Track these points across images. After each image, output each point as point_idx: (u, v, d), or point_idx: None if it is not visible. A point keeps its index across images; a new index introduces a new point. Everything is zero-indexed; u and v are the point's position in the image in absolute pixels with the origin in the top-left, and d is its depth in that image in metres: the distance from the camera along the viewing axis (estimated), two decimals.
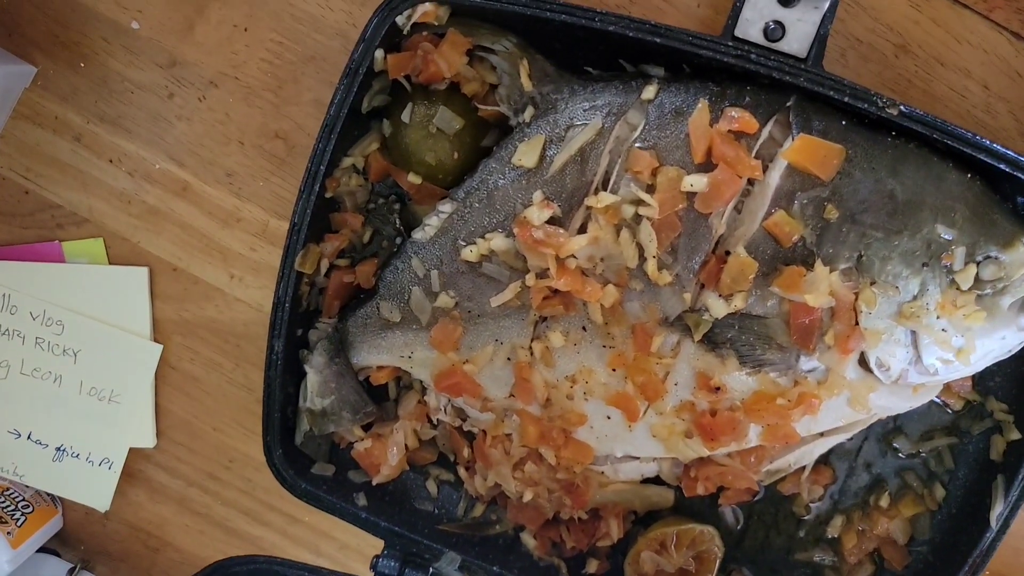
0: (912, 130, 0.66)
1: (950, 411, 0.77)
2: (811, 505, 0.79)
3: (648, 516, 0.80)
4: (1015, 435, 0.73)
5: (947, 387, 0.75)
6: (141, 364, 0.84)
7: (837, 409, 0.71)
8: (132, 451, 0.86)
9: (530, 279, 0.69)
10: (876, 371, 0.69)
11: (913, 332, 0.67)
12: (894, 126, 0.67)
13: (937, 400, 0.77)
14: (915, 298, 0.66)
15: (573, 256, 0.69)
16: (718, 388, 0.70)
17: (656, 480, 0.79)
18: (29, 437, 0.85)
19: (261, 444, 0.75)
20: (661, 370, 0.70)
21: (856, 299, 0.67)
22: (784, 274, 0.66)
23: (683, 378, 0.70)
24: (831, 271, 0.66)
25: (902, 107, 0.66)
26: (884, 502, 0.78)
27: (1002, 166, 0.66)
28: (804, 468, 0.77)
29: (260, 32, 0.78)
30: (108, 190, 0.82)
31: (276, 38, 0.78)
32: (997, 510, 0.73)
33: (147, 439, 0.85)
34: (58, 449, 0.85)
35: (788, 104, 0.67)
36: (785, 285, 0.66)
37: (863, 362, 0.69)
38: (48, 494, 0.87)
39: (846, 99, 0.66)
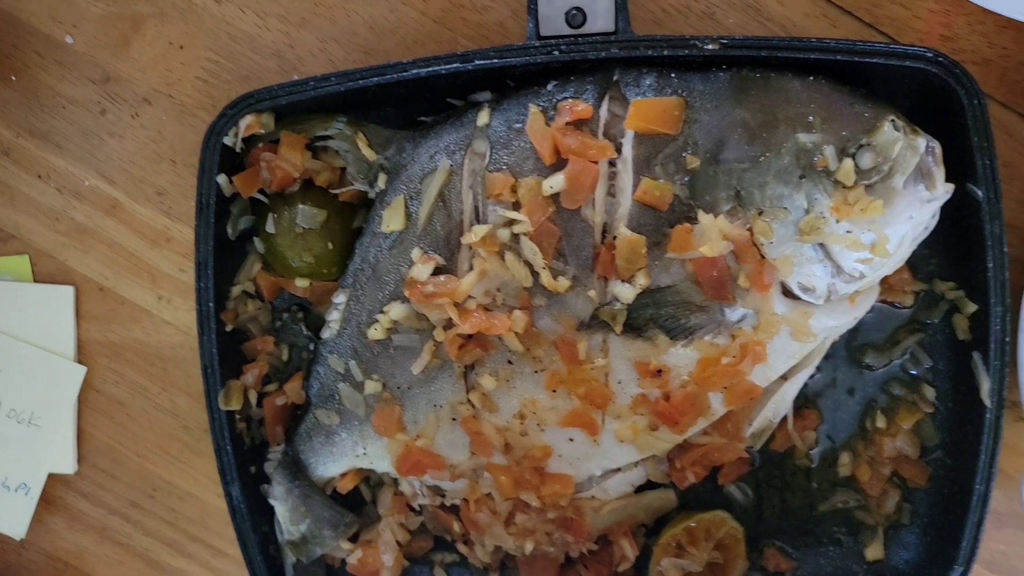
0: (740, 57, 0.66)
1: (905, 308, 0.75)
2: (811, 453, 0.76)
3: (659, 524, 0.77)
4: (972, 307, 0.71)
5: (889, 287, 0.73)
6: (64, 386, 0.81)
7: (785, 347, 0.68)
8: (51, 477, 0.82)
9: (439, 334, 0.68)
10: (804, 296, 0.67)
11: (821, 245, 0.66)
12: (723, 60, 0.67)
13: (887, 303, 0.74)
14: (807, 212, 0.65)
15: (471, 297, 0.68)
16: (660, 371, 0.68)
17: (651, 485, 0.76)
18: None
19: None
20: (599, 374, 0.68)
21: (752, 234, 0.65)
22: (673, 237, 0.65)
23: (624, 374, 0.68)
24: (716, 217, 0.65)
25: (721, 39, 0.66)
26: (881, 422, 0.75)
27: (838, 57, 0.66)
28: (786, 418, 0.74)
29: (196, 50, 0.78)
30: (36, 206, 0.81)
31: (212, 57, 0.78)
32: (985, 387, 0.69)
33: (67, 464, 0.82)
34: None
35: (615, 78, 0.67)
36: (678, 247, 0.65)
37: (789, 293, 0.67)
38: None
39: (665, 52, 0.66)
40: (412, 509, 0.77)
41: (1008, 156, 0.74)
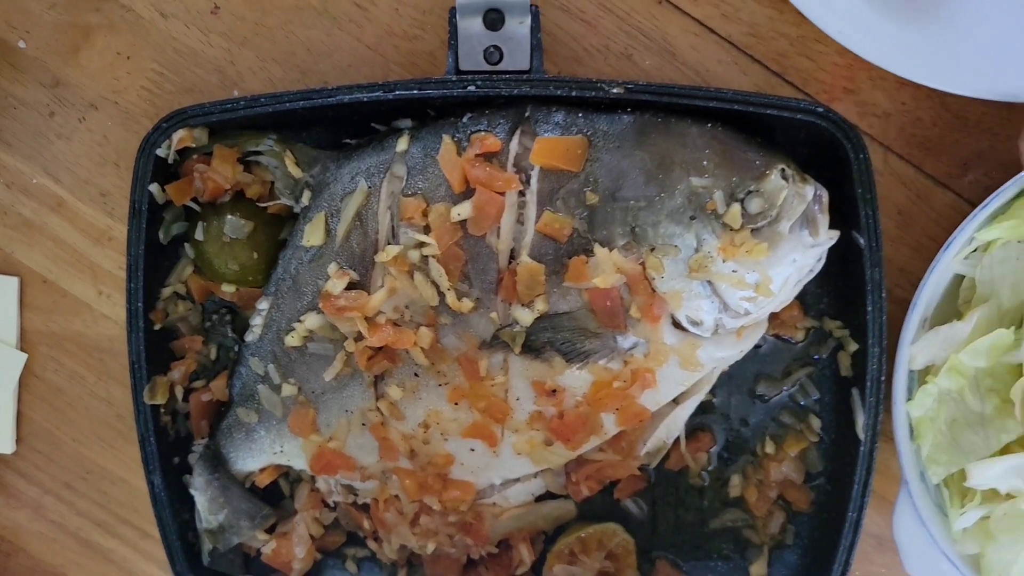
0: (644, 101, 0.70)
1: (797, 343, 0.79)
2: (703, 473, 0.81)
3: (559, 532, 0.82)
4: (854, 346, 0.75)
5: (781, 322, 0.78)
6: (5, 371, 0.85)
7: (674, 375, 0.73)
8: None
9: (350, 345, 0.73)
10: (692, 328, 0.71)
11: (709, 282, 0.70)
12: (628, 103, 0.71)
13: (780, 337, 0.79)
14: (696, 251, 0.69)
15: (381, 312, 0.72)
16: (555, 390, 0.72)
17: (553, 495, 0.81)
18: None
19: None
20: (499, 391, 0.73)
21: (644, 269, 0.70)
22: (570, 267, 0.70)
23: (522, 392, 0.73)
24: (611, 251, 0.69)
25: (626, 84, 0.70)
26: (770, 448, 0.80)
27: (735, 107, 0.70)
28: (679, 439, 0.78)
29: (142, 61, 0.81)
30: None
31: (157, 68, 0.81)
32: (860, 422, 0.74)
33: (6, 444, 0.86)
34: None
35: (527, 114, 0.71)
36: (574, 277, 0.70)
37: (678, 325, 0.72)
38: None
39: (574, 93, 0.70)
40: (327, 505, 0.82)
41: (904, 205, 0.79)
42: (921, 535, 0.76)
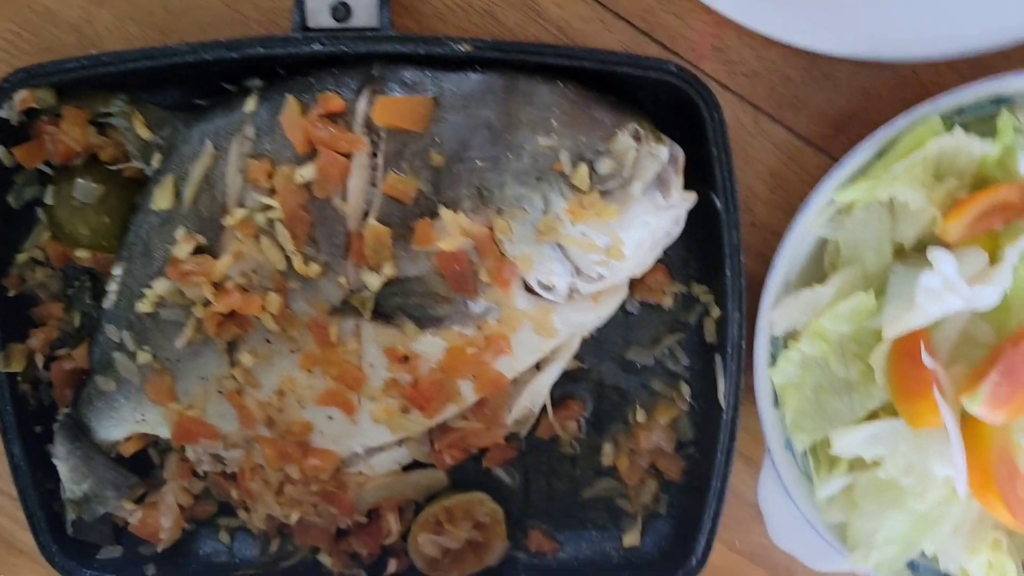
0: (494, 59, 0.68)
1: (666, 309, 0.77)
2: (574, 442, 0.79)
3: (432, 502, 0.81)
4: (718, 312, 0.74)
5: (648, 287, 0.76)
6: None
7: (529, 341, 0.71)
8: None
9: (199, 311, 0.71)
10: (545, 293, 0.70)
11: (560, 245, 0.68)
12: (478, 61, 0.69)
13: (649, 303, 0.77)
14: (545, 213, 0.68)
15: (229, 277, 0.71)
16: (407, 357, 0.71)
17: (421, 465, 0.79)
18: None
19: None
20: (352, 357, 0.71)
21: (492, 232, 0.68)
22: (416, 231, 0.68)
23: (375, 358, 0.71)
24: (457, 213, 0.67)
25: (474, 41, 0.68)
26: (641, 416, 0.79)
27: (586, 64, 0.68)
28: (546, 407, 0.77)
29: None
30: None
31: (13, 28, 0.79)
32: (721, 389, 0.73)
33: None
34: None
35: (373, 73, 0.69)
36: (420, 240, 0.68)
37: (531, 290, 0.70)
38: None
39: (422, 51, 0.68)
40: (196, 475, 0.81)
41: (776, 167, 0.77)
42: (786, 504, 0.74)
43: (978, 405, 0.66)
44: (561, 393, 0.78)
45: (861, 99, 0.75)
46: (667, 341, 0.77)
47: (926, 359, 0.66)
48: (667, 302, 0.77)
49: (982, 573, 0.73)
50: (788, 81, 0.75)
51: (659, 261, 0.74)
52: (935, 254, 0.65)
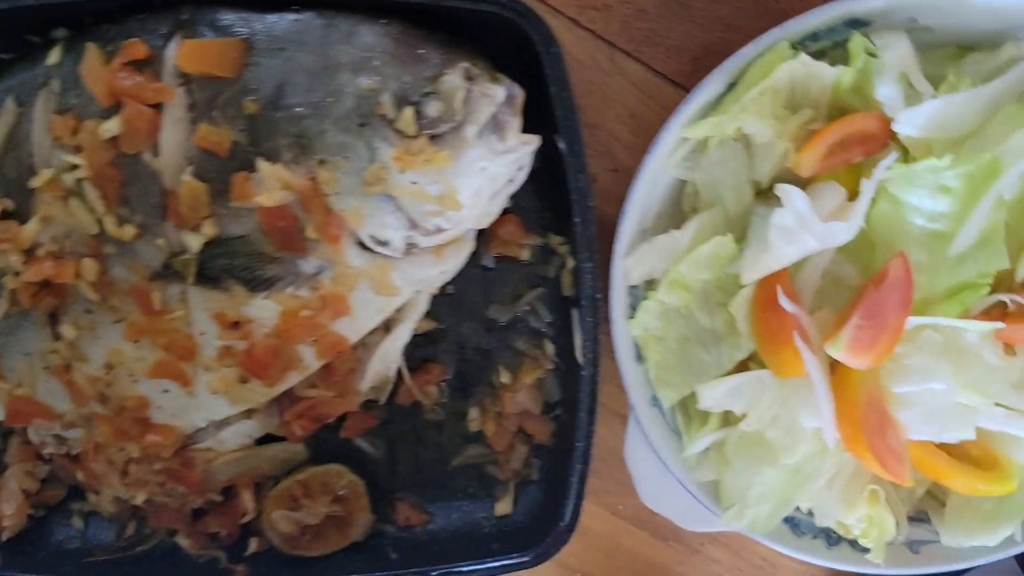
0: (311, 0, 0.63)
1: (524, 263, 0.73)
2: (438, 407, 0.75)
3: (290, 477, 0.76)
4: (572, 262, 0.69)
5: (502, 240, 0.72)
6: None
7: (370, 300, 0.67)
8: None
9: (10, 281, 0.66)
10: (380, 249, 0.65)
11: (391, 197, 0.64)
12: (297, 1, 0.64)
13: (506, 257, 0.73)
14: (371, 162, 0.63)
15: (40, 244, 0.66)
16: (237, 323, 0.66)
17: (276, 438, 0.75)
18: None
19: None
20: (180, 325, 0.67)
21: (317, 184, 0.63)
22: (233, 185, 0.63)
23: (205, 325, 0.67)
24: (276, 165, 0.62)
25: None
26: (505, 377, 0.74)
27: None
28: (402, 372, 0.73)
29: None
30: None
31: None
32: (578, 344, 0.68)
33: None
34: None
35: (184, 17, 0.64)
36: (239, 195, 0.63)
37: (365, 246, 0.65)
38: None
39: None
40: (41, 458, 0.76)
41: (636, 107, 0.72)
42: (654, 463, 0.70)
43: (840, 350, 0.62)
44: (421, 356, 0.74)
45: (720, 31, 0.70)
46: (528, 297, 0.73)
47: (784, 302, 0.62)
48: (524, 255, 0.72)
49: (860, 527, 0.69)
50: (643, 14, 0.70)
51: (510, 211, 0.70)
52: (784, 190, 0.60)
